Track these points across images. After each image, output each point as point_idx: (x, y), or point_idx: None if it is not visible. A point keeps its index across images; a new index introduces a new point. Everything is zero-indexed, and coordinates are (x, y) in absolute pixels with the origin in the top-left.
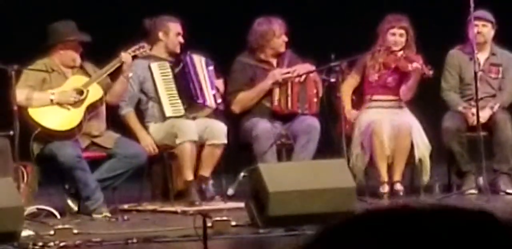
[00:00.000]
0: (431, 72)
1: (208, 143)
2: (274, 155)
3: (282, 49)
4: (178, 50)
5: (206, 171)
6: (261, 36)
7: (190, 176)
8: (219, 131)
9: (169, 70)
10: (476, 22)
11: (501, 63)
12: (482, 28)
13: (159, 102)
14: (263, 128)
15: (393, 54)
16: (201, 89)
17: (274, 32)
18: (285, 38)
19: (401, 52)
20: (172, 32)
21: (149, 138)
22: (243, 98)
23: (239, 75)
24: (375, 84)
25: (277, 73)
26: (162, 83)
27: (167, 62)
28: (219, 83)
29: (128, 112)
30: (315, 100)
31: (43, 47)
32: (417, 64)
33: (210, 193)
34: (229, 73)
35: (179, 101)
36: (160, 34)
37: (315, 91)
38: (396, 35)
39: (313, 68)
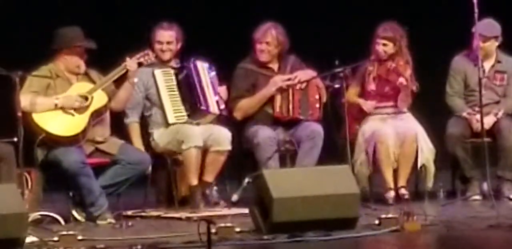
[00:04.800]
0: (414, 88)
1: (212, 149)
2: (277, 162)
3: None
4: (165, 58)
5: (209, 177)
6: None
7: (194, 181)
8: (223, 137)
9: (173, 77)
10: (476, 35)
11: (506, 70)
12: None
13: (162, 109)
14: (264, 135)
15: (384, 65)
16: (204, 95)
17: None
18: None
19: (391, 62)
20: (154, 40)
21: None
22: (245, 105)
23: (241, 82)
24: (374, 93)
25: (278, 80)
26: (166, 90)
27: (171, 69)
28: (222, 89)
29: (132, 122)
30: (318, 105)
31: (48, 51)
32: (402, 80)
33: (214, 198)
34: (231, 80)
35: (182, 107)
36: (153, 42)
37: (317, 96)
38: (380, 45)
39: (315, 74)
